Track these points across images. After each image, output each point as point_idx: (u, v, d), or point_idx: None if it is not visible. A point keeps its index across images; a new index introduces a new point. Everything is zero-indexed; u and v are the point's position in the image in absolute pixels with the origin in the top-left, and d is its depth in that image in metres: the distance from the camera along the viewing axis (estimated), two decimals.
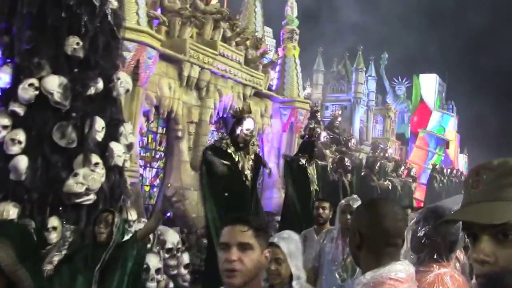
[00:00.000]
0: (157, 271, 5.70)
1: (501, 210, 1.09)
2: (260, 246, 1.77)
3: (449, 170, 26.56)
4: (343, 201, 4.34)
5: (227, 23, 11.34)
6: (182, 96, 9.53)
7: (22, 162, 5.22)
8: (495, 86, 59.77)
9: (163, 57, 9.01)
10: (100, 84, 5.71)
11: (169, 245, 6.23)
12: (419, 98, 33.63)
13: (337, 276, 4.08)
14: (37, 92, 5.35)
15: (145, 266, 6.11)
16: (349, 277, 4.00)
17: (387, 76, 31.54)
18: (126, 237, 4.29)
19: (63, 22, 5.53)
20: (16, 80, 5.40)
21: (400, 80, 33.50)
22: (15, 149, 5.23)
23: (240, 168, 8.40)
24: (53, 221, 5.23)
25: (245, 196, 8.25)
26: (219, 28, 10.82)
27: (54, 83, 5.40)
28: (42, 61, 5.45)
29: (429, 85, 34.16)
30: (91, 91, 5.61)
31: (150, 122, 9.23)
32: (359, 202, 3.97)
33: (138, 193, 7.92)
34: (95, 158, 5.49)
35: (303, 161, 10.21)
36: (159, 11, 9.55)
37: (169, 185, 8.10)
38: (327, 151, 14.69)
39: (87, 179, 5.33)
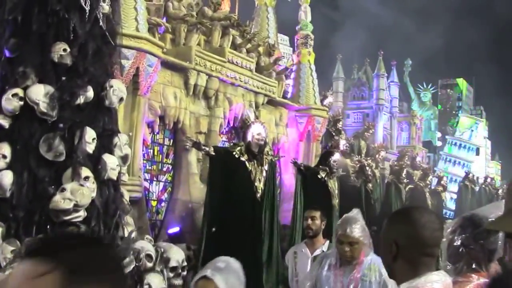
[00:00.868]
0: None
1: None
2: None
3: (482, 179, 25.39)
4: (338, 228, 3.75)
5: (237, 30, 10.96)
6: (189, 105, 9.15)
7: (7, 177, 4.86)
8: None
9: (168, 65, 8.67)
10: (90, 93, 5.32)
11: (173, 263, 5.79)
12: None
13: None
14: (21, 103, 5.00)
15: (146, 287, 5.68)
16: None
17: (410, 82, 30.82)
18: None
19: (50, 28, 5.19)
20: None
21: (425, 86, 32.72)
22: None
23: (252, 178, 8.01)
24: None
25: (254, 207, 7.84)
26: (228, 35, 10.44)
27: (39, 93, 5.04)
28: (27, 70, 5.11)
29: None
30: (80, 100, 5.21)
31: (155, 133, 8.83)
32: (358, 227, 3.56)
33: (142, 209, 7.52)
34: (85, 172, 5.08)
35: (322, 174, 9.61)
36: (164, 19, 9.25)
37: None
38: (348, 160, 14.16)
39: (75, 195, 4.92)
